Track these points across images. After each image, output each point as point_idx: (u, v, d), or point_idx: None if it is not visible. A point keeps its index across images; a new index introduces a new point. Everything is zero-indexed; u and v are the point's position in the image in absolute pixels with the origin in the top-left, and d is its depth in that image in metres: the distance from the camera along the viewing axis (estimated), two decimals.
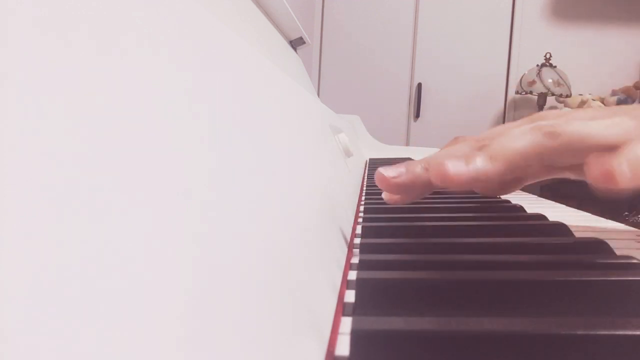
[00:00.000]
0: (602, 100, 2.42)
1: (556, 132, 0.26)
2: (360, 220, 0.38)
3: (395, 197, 0.31)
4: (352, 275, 0.23)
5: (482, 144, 0.27)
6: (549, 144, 0.26)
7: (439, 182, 0.25)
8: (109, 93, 0.10)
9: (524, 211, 0.40)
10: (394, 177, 0.28)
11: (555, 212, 0.49)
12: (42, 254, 0.07)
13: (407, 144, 2.75)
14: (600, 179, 0.22)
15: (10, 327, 0.06)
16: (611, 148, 0.25)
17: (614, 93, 2.50)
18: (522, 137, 0.26)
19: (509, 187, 0.33)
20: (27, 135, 0.08)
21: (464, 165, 0.25)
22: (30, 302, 0.07)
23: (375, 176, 0.28)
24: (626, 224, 0.42)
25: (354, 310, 0.20)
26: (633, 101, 2.46)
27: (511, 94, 2.71)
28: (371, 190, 0.56)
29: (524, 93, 2.54)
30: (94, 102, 0.10)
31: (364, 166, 0.92)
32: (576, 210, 0.51)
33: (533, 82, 2.49)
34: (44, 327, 0.07)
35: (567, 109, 2.42)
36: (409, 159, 1.20)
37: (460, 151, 0.28)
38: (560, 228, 0.31)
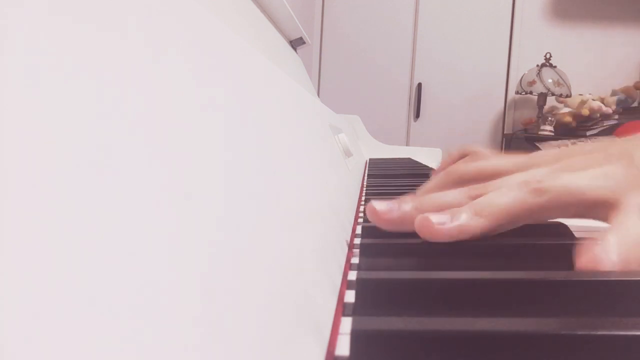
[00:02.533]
0: (602, 100, 2.42)
1: (543, 189, 0.26)
2: (360, 220, 0.38)
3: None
4: (352, 275, 0.23)
5: (476, 193, 0.28)
6: (535, 201, 0.26)
7: (422, 235, 0.25)
8: (108, 93, 0.10)
9: None
10: (385, 213, 0.28)
11: None
12: (46, 256, 0.07)
13: (407, 144, 2.75)
14: (585, 266, 0.22)
15: (14, 328, 0.06)
16: (599, 203, 0.26)
17: (614, 93, 2.49)
18: (508, 193, 0.26)
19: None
20: (32, 134, 0.08)
21: (449, 221, 0.25)
22: (37, 305, 0.07)
23: (367, 208, 0.28)
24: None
25: (353, 310, 0.20)
26: (633, 101, 2.46)
27: (511, 94, 2.71)
28: (371, 191, 0.56)
29: (524, 93, 2.54)
30: (94, 103, 0.10)
31: (364, 166, 0.92)
32: None
33: (533, 82, 2.49)
34: (48, 332, 0.07)
35: (568, 108, 2.43)
36: (409, 159, 1.19)
37: (452, 199, 0.28)
38: (560, 228, 0.31)
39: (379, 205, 0.28)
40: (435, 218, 0.25)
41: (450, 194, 0.29)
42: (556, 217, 0.27)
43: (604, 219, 0.26)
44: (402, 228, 0.28)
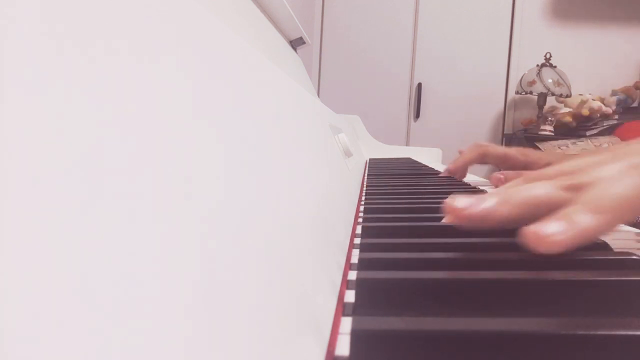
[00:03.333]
0: (602, 100, 2.42)
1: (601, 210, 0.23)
2: (360, 220, 0.38)
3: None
4: (352, 275, 0.23)
5: (573, 185, 0.25)
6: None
7: (447, 218, 0.24)
8: (107, 93, 0.10)
9: None
10: (465, 209, 0.25)
11: None
12: (46, 255, 0.07)
13: (407, 144, 2.75)
14: None
15: (12, 327, 0.06)
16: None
17: (614, 93, 2.49)
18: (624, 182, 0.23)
19: None
20: (32, 134, 0.08)
21: (568, 229, 0.22)
22: (34, 303, 0.07)
23: (445, 207, 0.26)
24: (626, 224, 0.42)
25: (353, 310, 0.20)
26: (633, 101, 2.46)
27: (511, 94, 2.70)
28: (371, 190, 0.56)
29: (524, 93, 2.54)
30: (93, 103, 0.10)
31: (364, 166, 0.92)
32: None
33: (533, 82, 2.49)
34: (46, 328, 0.07)
35: (568, 108, 2.43)
36: (409, 159, 1.19)
37: (544, 191, 0.25)
38: None
39: (462, 202, 0.25)
40: (550, 229, 0.22)
41: (539, 185, 0.26)
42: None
43: None
44: (484, 224, 0.25)
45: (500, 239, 0.28)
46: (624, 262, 0.24)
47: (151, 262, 0.09)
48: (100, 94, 0.10)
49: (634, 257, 0.24)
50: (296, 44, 1.01)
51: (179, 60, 0.15)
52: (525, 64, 2.63)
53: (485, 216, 0.25)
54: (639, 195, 0.23)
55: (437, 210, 0.42)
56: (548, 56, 2.54)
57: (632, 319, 0.16)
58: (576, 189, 0.24)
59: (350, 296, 0.21)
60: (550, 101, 2.52)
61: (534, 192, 0.25)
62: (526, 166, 0.56)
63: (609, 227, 0.22)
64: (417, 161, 1.09)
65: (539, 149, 2.23)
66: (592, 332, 0.16)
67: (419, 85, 2.75)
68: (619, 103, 2.41)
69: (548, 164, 0.51)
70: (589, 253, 0.25)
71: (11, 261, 0.07)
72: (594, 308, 0.20)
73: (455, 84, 2.74)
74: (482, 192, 0.58)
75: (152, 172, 0.11)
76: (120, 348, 0.07)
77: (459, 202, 0.25)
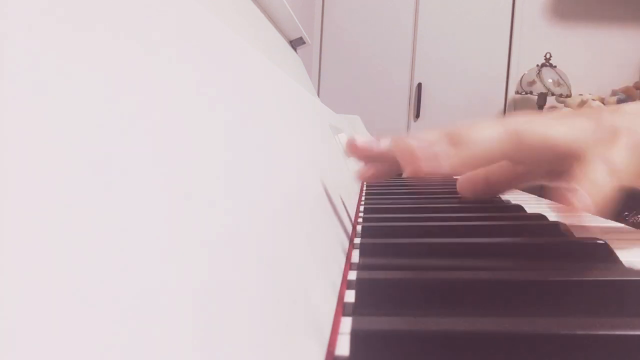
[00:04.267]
0: (602, 100, 2.42)
1: (520, 137, 0.28)
2: (360, 220, 0.38)
3: (369, 173, 0.35)
4: (352, 275, 0.23)
5: (454, 139, 0.29)
6: (512, 147, 0.28)
7: (412, 176, 0.28)
8: (107, 93, 0.10)
9: (524, 211, 0.40)
10: (365, 149, 0.32)
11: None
12: (45, 254, 0.07)
13: None
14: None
15: (12, 327, 0.06)
16: (570, 155, 0.28)
17: (614, 93, 2.49)
18: (490, 136, 0.28)
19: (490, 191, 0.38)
20: (31, 134, 0.08)
21: (437, 165, 0.27)
22: (34, 304, 0.07)
23: (347, 143, 0.32)
24: (626, 224, 0.42)
25: (353, 310, 0.20)
26: (633, 101, 2.46)
27: (511, 94, 2.70)
28: (371, 190, 0.56)
29: (524, 93, 2.54)
30: (93, 103, 0.10)
31: None
32: None
33: (533, 82, 2.49)
34: (46, 328, 0.07)
35: (567, 108, 2.43)
36: None
37: (432, 138, 0.30)
38: (560, 228, 0.31)
39: (360, 140, 0.32)
40: (361, 141, 0.29)
41: (431, 133, 0.30)
42: (529, 170, 0.31)
43: (570, 169, 0.27)
44: (382, 169, 0.33)
45: (500, 239, 0.28)
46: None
47: (150, 262, 0.09)
48: (100, 94, 0.10)
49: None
50: (296, 44, 1.01)
51: (178, 60, 0.15)
52: (525, 64, 2.63)
53: (381, 156, 0.32)
54: (498, 150, 0.28)
55: (437, 210, 0.42)
56: (548, 56, 2.54)
57: (632, 319, 0.16)
58: (455, 144, 0.29)
59: (350, 296, 0.21)
60: (551, 101, 2.52)
61: (424, 140, 0.30)
62: None
63: (468, 166, 0.28)
64: None
65: None
66: (592, 332, 0.16)
67: (419, 85, 2.75)
68: (618, 103, 2.41)
69: None
70: (590, 253, 0.25)
71: (10, 260, 0.07)
72: (594, 308, 0.20)
73: (455, 84, 2.74)
74: None
75: (150, 172, 0.11)
76: (120, 349, 0.07)
77: (359, 141, 0.32)
